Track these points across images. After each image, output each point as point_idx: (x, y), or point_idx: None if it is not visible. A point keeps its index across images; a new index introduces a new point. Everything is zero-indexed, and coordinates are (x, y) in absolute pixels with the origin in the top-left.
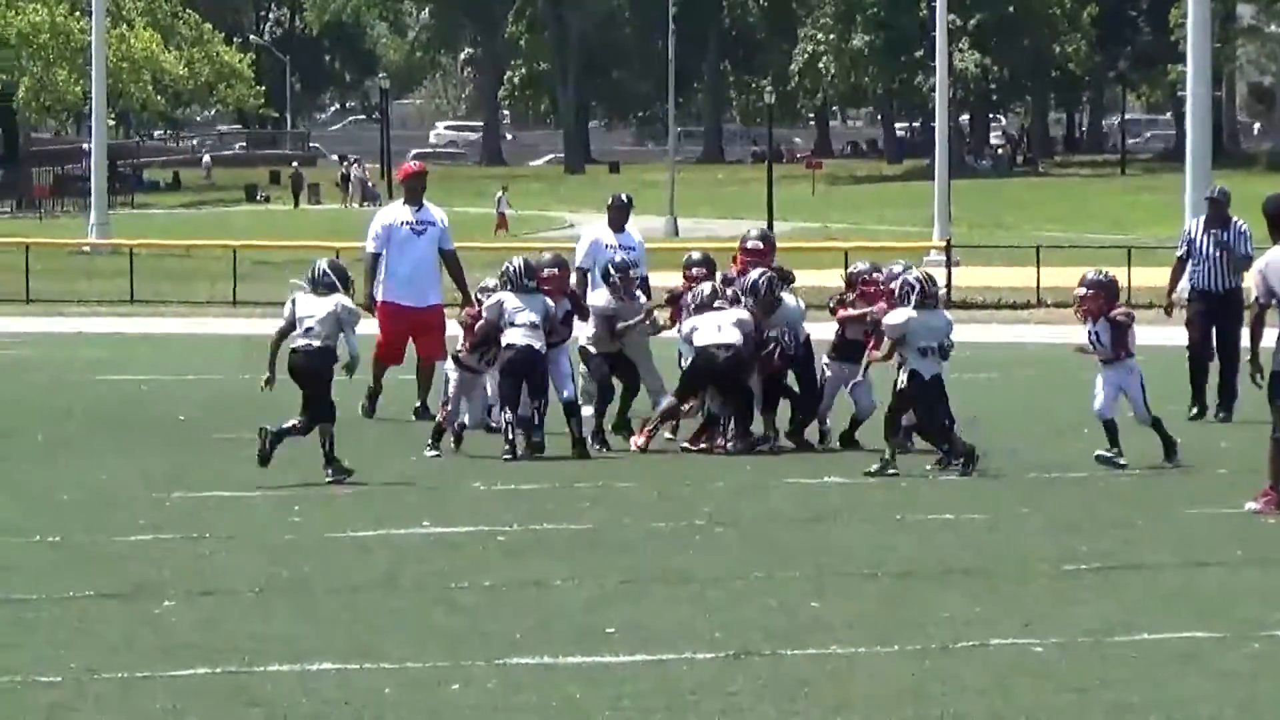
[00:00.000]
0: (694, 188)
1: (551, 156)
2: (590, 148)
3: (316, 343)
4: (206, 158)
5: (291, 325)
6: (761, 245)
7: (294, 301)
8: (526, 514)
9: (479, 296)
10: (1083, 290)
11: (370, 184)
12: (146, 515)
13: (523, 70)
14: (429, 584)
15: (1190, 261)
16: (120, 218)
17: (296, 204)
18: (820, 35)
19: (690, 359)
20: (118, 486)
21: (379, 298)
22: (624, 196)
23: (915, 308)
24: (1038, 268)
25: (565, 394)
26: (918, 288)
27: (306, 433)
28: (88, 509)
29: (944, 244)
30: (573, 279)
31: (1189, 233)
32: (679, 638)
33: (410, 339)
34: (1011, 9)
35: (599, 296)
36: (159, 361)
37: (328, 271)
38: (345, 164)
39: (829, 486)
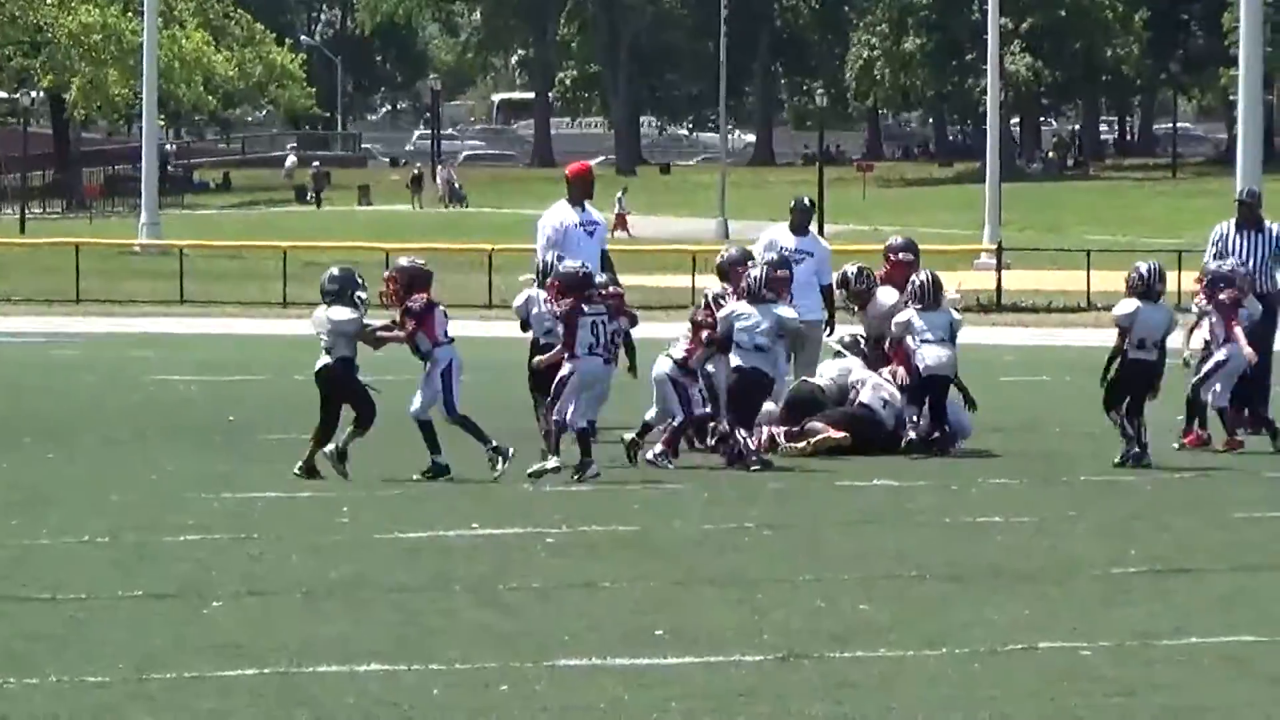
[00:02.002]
0: (744, 190)
1: (603, 158)
2: (641, 148)
3: (329, 359)
4: (292, 158)
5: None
6: (912, 256)
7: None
8: (575, 515)
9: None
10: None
11: (458, 185)
12: (196, 516)
13: (574, 72)
14: (477, 585)
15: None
16: (171, 218)
17: (319, 204)
18: (872, 38)
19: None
20: (167, 487)
21: None
22: (806, 199)
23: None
24: (1088, 271)
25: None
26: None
27: (365, 432)
28: (137, 509)
29: (994, 247)
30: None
31: (1221, 235)
32: (727, 640)
33: None
34: (1063, 12)
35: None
36: (209, 362)
37: (330, 280)
38: (418, 165)
39: (877, 489)
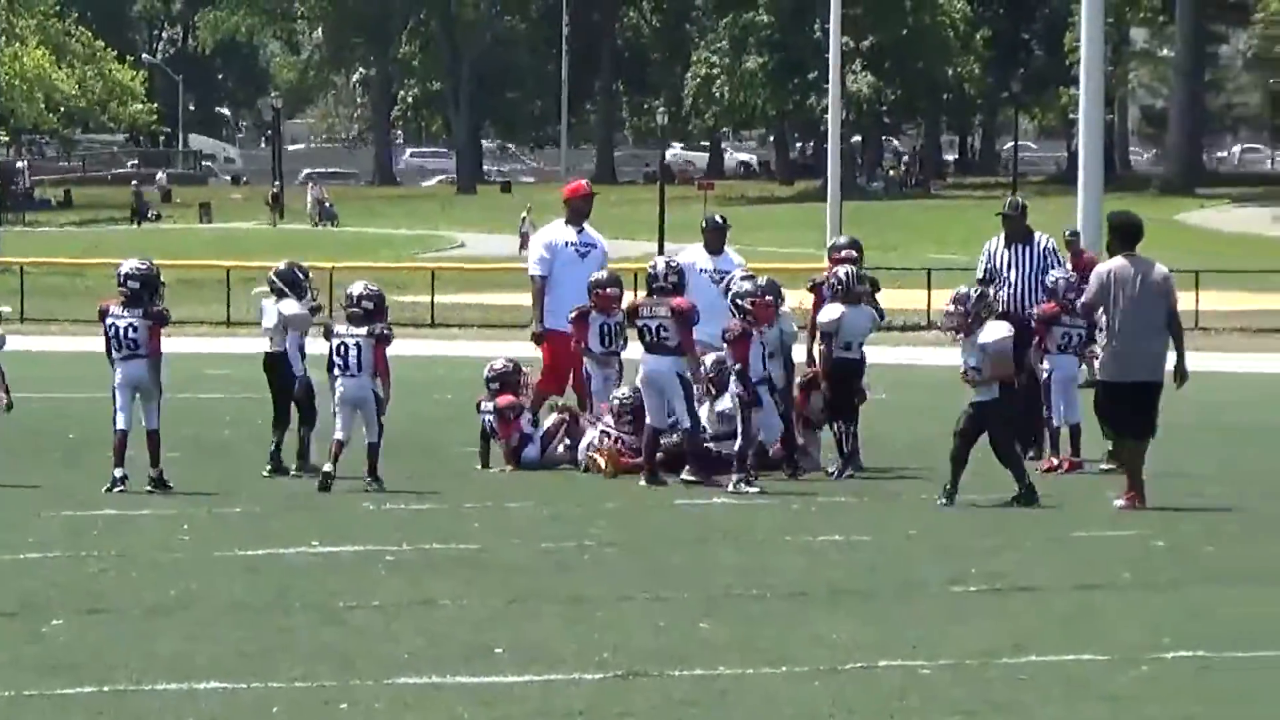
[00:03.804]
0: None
1: (443, 176)
2: (483, 167)
3: (270, 348)
4: (162, 176)
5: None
6: (855, 254)
7: (261, 309)
8: (415, 534)
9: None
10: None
11: (328, 203)
12: (35, 534)
13: (415, 90)
14: (318, 603)
15: (994, 284)
16: (10, 235)
17: (138, 223)
18: (713, 56)
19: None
20: (6, 504)
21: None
22: (718, 217)
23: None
24: (929, 289)
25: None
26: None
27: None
28: None
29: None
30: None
31: (990, 252)
32: (567, 658)
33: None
34: (905, 31)
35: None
36: (50, 379)
37: (274, 277)
38: (275, 184)
39: (717, 508)
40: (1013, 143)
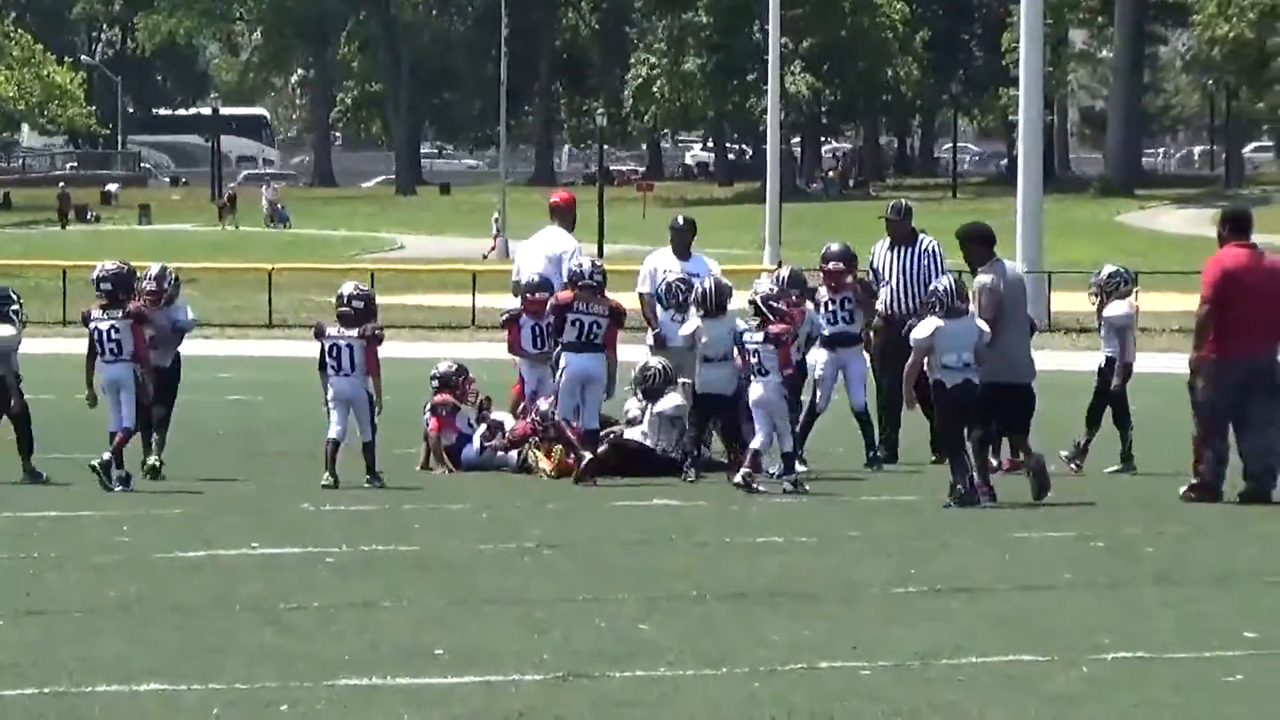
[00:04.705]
0: (525, 209)
1: (382, 178)
2: (422, 169)
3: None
4: (114, 187)
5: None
6: (841, 265)
7: None
8: (355, 535)
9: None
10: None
11: (280, 205)
12: None
13: (354, 91)
14: (258, 605)
15: (878, 285)
16: None
17: (64, 225)
18: (652, 58)
19: None
20: None
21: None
22: (681, 219)
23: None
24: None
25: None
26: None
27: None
28: None
29: (775, 267)
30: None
31: (873, 254)
32: (507, 659)
33: None
34: (844, 33)
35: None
36: None
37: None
38: (231, 186)
39: (657, 509)
40: (952, 144)
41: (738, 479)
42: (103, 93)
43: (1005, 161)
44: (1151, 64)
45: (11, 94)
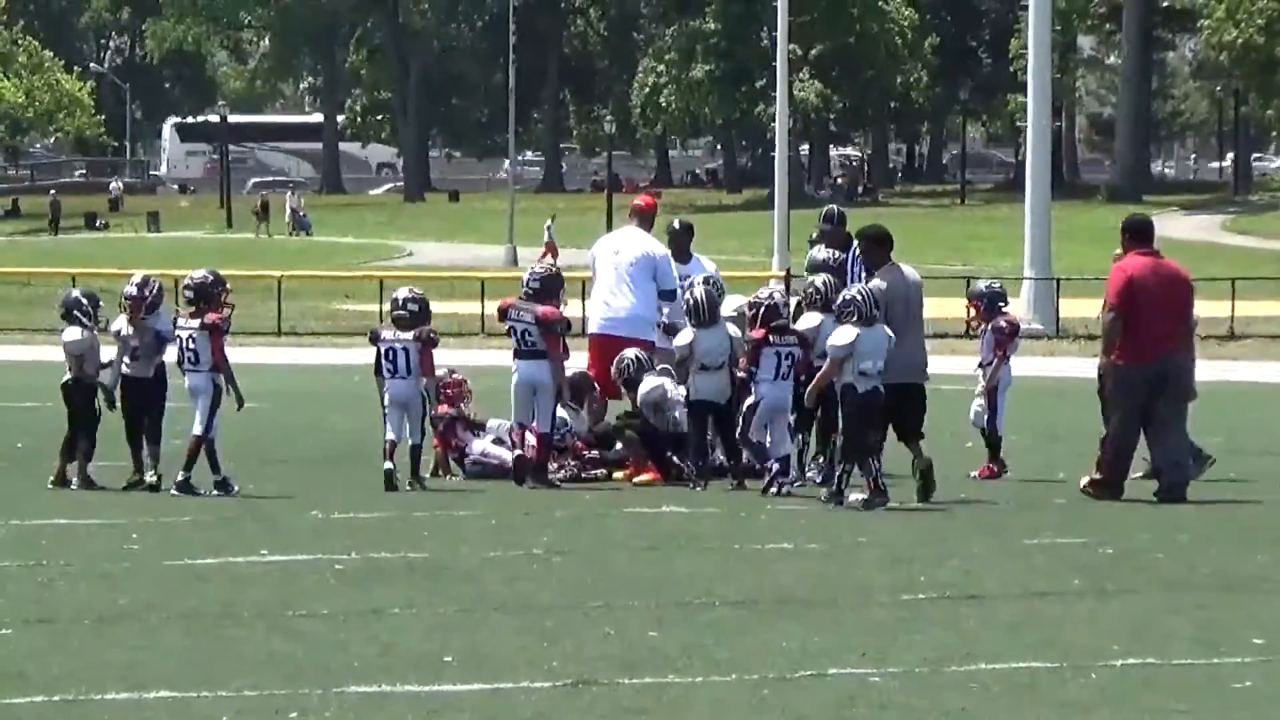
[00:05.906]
0: (533, 216)
1: (391, 185)
2: (431, 176)
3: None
4: (117, 184)
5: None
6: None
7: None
8: (364, 542)
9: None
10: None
11: (303, 214)
12: None
13: (363, 99)
14: (267, 612)
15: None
16: None
17: (55, 232)
18: (660, 65)
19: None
20: None
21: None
22: (677, 223)
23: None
24: None
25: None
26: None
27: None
28: None
29: (784, 274)
30: None
31: (809, 260)
32: (516, 666)
33: None
34: (852, 39)
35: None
36: None
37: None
38: (263, 193)
39: (666, 516)
40: (960, 150)
41: (773, 489)
42: (111, 100)
43: (1014, 166)
44: (1160, 70)
45: (20, 101)
